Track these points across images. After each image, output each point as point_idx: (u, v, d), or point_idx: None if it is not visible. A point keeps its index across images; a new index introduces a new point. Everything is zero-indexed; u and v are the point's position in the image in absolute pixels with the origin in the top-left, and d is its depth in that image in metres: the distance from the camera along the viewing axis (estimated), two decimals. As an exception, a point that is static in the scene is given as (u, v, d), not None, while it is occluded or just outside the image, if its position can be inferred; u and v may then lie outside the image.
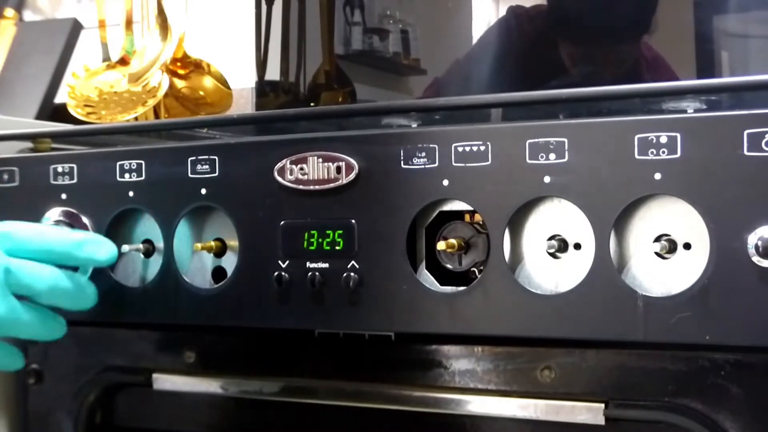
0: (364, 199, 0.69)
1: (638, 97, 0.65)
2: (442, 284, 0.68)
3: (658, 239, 0.62)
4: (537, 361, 0.67)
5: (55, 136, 0.87)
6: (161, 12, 1.12)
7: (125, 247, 0.78)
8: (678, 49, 0.96)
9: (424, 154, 0.66)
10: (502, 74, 1.05)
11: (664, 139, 0.59)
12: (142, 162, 0.78)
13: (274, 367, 0.78)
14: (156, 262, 0.78)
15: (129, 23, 1.20)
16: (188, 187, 0.75)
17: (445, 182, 0.66)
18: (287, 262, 0.71)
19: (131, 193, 0.78)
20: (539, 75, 1.03)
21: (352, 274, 0.68)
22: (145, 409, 0.86)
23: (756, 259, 0.57)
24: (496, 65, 1.05)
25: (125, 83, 1.12)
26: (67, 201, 0.81)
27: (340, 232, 0.69)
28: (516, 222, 0.65)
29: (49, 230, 0.73)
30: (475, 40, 1.07)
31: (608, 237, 0.61)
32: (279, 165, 0.71)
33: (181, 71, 1.15)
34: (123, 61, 1.18)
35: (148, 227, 0.79)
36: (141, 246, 0.79)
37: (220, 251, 0.76)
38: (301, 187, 0.71)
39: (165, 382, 0.82)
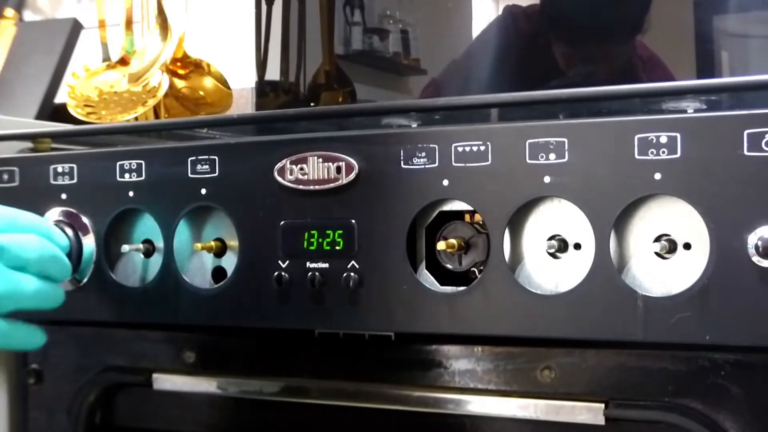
0: (364, 199, 0.69)
1: (638, 97, 0.65)
2: (442, 284, 0.68)
3: (658, 239, 0.62)
4: (537, 361, 0.67)
5: (55, 136, 0.88)
6: (161, 12, 1.12)
7: (125, 247, 0.78)
8: (678, 49, 0.96)
9: (424, 154, 0.66)
10: (498, 73, 1.05)
11: (664, 139, 0.59)
12: (142, 162, 0.78)
13: (274, 367, 0.78)
14: (156, 262, 0.78)
15: (129, 23, 1.20)
16: (188, 187, 0.75)
17: (445, 182, 0.66)
18: (287, 262, 0.71)
19: (131, 193, 0.78)
20: (535, 74, 1.03)
21: (352, 274, 0.68)
22: (145, 409, 0.86)
23: (756, 259, 0.57)
24: (493, 64, 1.05)
25: (125, 83, 1.12)
26: (67, 201, 0.81)
27: (340, 232, 0.69)
28: (516, 222, 0.65)
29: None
30: (475, 40, 1.07)
31: (608, 237, 0.61)
32: (279, 165, 0.71)
33: (181, 71, 1.15)
34: (123, 61, 1.18)
35: (148, 227, 0.79)
36: (141, 246, 0.79)
37: (220, 251, 0.76)
38: (301, 187, 0.71)
39: (165, 382, 0.82)
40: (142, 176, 0.78)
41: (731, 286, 0.58)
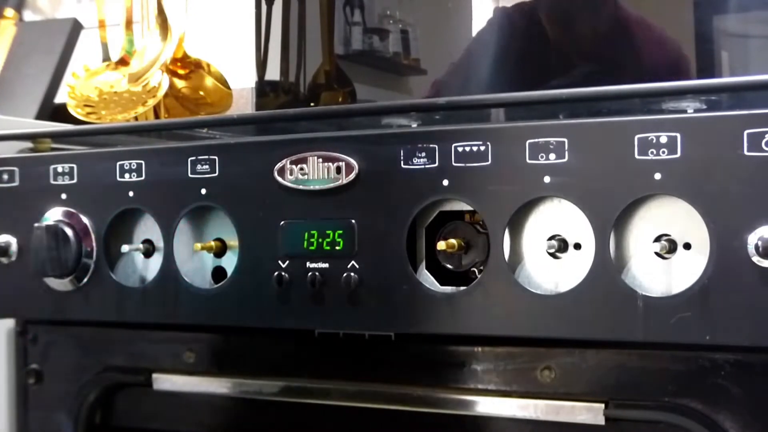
0: (364, 199, 0.69)
1: (638, 97, 0.65)
2: (442, 284, 0.68)
3: (658, 239, 0.62)
4: (537, 361, 0.67)
5: (55, 136, 0.88)
6: (161, 12, 1.12)
7: (125, 247, 0.78)
8: (678, 49, 0.96)
9: (424, 154, 0.66)
10: (498, 68, 1.04)
11: (664, 139, 0.59)
12: (142, 162, 0.78)
13: (274, 367, 0.78)
14: (156, 262, 0.78)
15: (129, 23, 1.20)
16: (188, 187, 0.75)
17: (445, 182, 0.66)
18: (287, 262, 0.71)
19: (131, 193, 0.78)
20: (536, 62, 1.02)
21: (352, 274, 0.68)
22: (145, 409, 0.86)
23: (756, 259, 0.57)
24: (494, 62, 1.05)
25: (125, 83, 1.12)
26: (67, 201, 0.81)
27: (340, 232, 0.69)
28: (516, 222, 0.65)
29: None
30: (475, 40, 1.07)
31: (608, 237, 0.61)
32: (279, 165, 0.71)
33: (181, 71, 1.15)
34: (123, 61, 1.17)
35: (148, 227, 0.79)
36: (141, 246, 0.79)
37: (220, 251, 0.76)
38: (301, 187, 0.71)
39: (165, 382, 0.82)
40: (142, 176, 0.78)
41: (731, 286, 0.58)
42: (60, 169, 0.81)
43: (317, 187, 0.70)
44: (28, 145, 0.87)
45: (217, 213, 0.76)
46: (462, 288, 0.66)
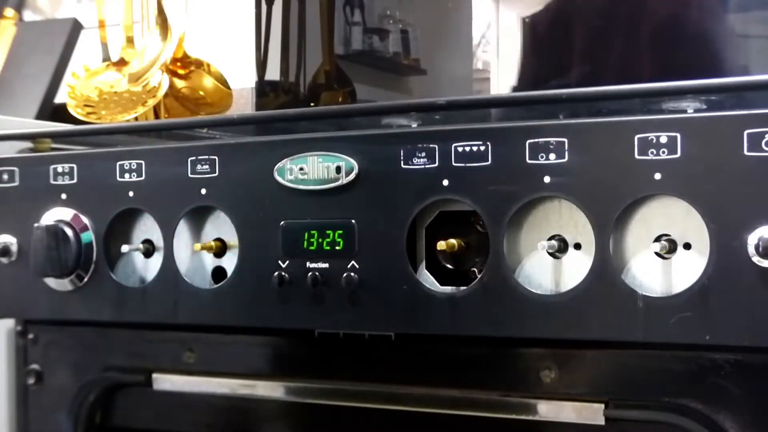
0: (364, 199, 0.69)
1: (638, 97, 0.65)
2: (442, 284, 0.68)
3: (658, 239, 0.62)
4: (537, 361, 0.67)
5: (55, 136, 0.88)
6: (161, 12, 1.12)
7: (125, 247, 0.78)
8: (678, 49, 0.96)
9: (424, 154, 0.66)
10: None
11: (664, 139, 0.59)
12: (142, 162, 0.78)
13: (274, 367, 0.78)
14: (156, 262, 0.78)
15: (129, 23, 1.20)
16: (188, 187, 0.75)
17: (445, 182, 0.66)
18: (287, 262, 0.71)
19: (131, 193, 0.78)
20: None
21: (352, 274, 0.68)
22: (145, 409, 0.86)
23: (756, 259, 0.57)
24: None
25: (125, 83, 1.12)
26: (67, 201, 0.81)
27: (340, 232, 0.69)
28: (516, 222, 0.65)
29: None
30: (475, 40, 1.07)
31: (608, 237, 0.61)
32: (279, 165, 0.71)
33: (181, 71, 1.15)
34: (123, 61, 1.17)
35: (148, 227, 0.79)
36: (141, 246, 0.79)
37: (220, 251, 0.76)
38: (301, 187, 0.71)
39: (165, 382, 0.82)
40: (142, 176, 0.78)
41: (731, 286, 0.58)
42: (60, 169, 0.81)
43: (317, 187, 0.70)
44: (28, 145, 0.87)
45: (217, 213, 0.76)
46: (462, 288, 0.66)
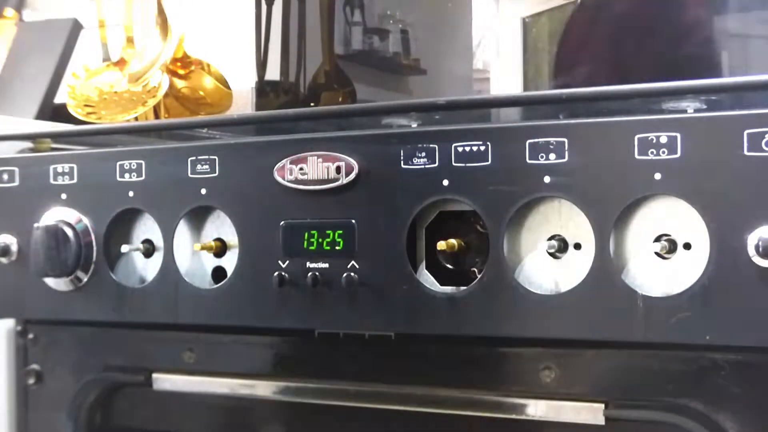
0: (364, 199, 0.69)
1: (638, 97, 0.65)
2: (442, 284, 0.68)
3: (658, 239, 0.62)
4: (537, 361, 0.67)
5: (55, 136, 0.88)
6: (161, 12, 1.12)
7: (125, 247, 0.78)
8: (678, 49, 0.96)
9: (424, 154, 0.66)
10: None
11: (664, 139, 0.59)
12: (142, 162, 0.78)
13: (274, 367, 0.78)
14: (156, 262, 0.78)
15: (129, 23, 1.20)
16: (188, 187, 0.75)
17: (445, 182, 0.66)
18: (287, 262, 0.71)
19: (131, 193, 0.78)
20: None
21: (352, 274, 0.68)
22: (145, 409, 0.86)
23: (756, 259, 0.57)
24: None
25: (125, 83, 1.12)
26: (67, 201, 0.81)
27: (340, 232, 0.69)
28: (516, 222, 0.65)
29: None
30: (475, 41, 1.07)
31: (608, 237, 0.61)
32: (279, 165, 0.71)
33: (181, 71, 1.14)
34: (123, 61, 1.17)
35: (148, 227, 0.79)
36: (141, 246, 0.79)
37: (220, 251, 0.76)
38: (301, 187, 0.71)
39: (165, 382, 0.82)
40: (142, 176, 0.78)
41: (731, 286, 0.58)
42: (60, 169, 0.81)
43: (317, 187, 0.70)
44: (28, 145, 0.87)
45: (217, 213, 0.76)
46: (462, 288, 0.66)
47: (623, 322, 0.61)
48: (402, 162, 0.67)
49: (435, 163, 0.66)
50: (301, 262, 0.70)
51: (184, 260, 0.77)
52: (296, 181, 0.71)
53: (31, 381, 0.88)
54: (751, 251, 0.57)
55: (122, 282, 0.79)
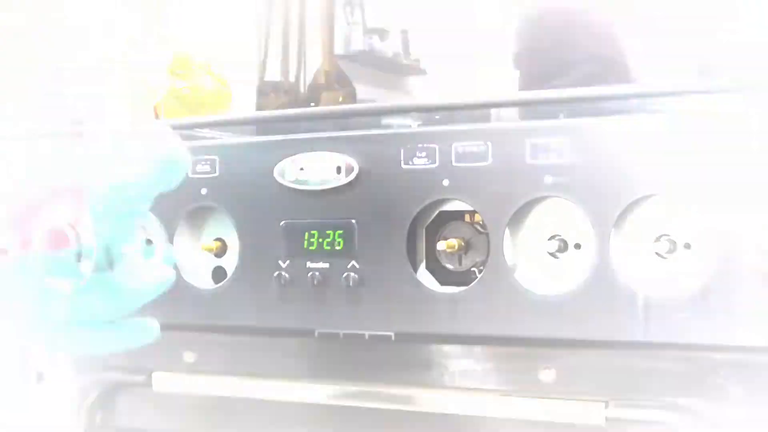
0: (364, 199, 0.69)
1: (638, 97, 0.65)
2: (442, 284, 0.68)
3: (658, 239, 0.62)
4: (537, 361, 0.67)
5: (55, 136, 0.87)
6: (161, 12, 1.12)
7: (125, 248, 0.78)
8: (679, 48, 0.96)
9: (424, 154, 0.66)
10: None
11: (663, 139, 0.59)
12: (142, 162, 0.77)
13: (274, 367, 0.78)
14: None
15: (129, 24, 1.20)
16: (188, 187, 0.75)
17: (445, 182, 0.66)
18: (287, 262, 0.71)
19: (131, 193, 0.78)
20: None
21: (352, 274, 0.68)
22: (145, 409, 0.86)
23: (756, 259, 0.57)
24: None
25: (125, 83, 1.12)
26: (67, 201, 0.81)
27: (340, 232, 0.69)
28: (516, 222, 0.65)
29: None
30: (475, 41, 1.07)
31: (608, 237, 0.61)
32: (279, 165, 0.71)
33: (181, 71, 1.15)
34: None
35: (148, 227, 0.79)
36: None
37: (220, 251, 0.76)
38: (301, 187, 0.71)
39: (165, 382, 0.82)
40: (142, 176, 0.77)
41: (731, 286, 0.58)
42: (60, 169, 0.81)
43: (317, 187, 0.70)
44: (28, 145, 0.87)
45: (217, 213, 0.76)
46: (462, 288, 0.66)
47: (623, 322, 0.61)
48: (402, 162, 0.67)
49: (435, 163, 0.66)
50: (302, 262, 0.70)
51: (184, 260, 0.77)
52: (296, 181, 0.71)
53: (32, 381, 0.88)
54: (752, 251, 0.57)
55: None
